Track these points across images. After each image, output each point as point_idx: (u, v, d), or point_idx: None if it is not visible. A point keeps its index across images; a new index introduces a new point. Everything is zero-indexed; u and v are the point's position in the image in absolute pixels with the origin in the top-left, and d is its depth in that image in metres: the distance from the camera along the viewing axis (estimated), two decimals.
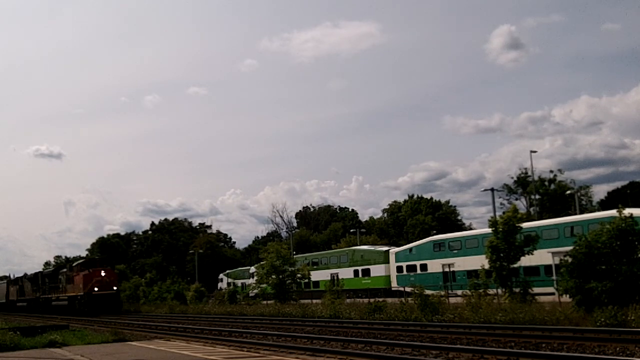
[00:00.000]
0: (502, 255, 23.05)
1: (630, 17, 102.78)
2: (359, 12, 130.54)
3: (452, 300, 26.34)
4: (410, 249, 43.12)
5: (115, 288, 41.50)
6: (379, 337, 15.40)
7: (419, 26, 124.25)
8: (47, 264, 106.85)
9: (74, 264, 45.02)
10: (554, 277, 28.14)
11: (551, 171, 66.93)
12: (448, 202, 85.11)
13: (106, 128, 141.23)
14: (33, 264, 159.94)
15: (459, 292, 28.41)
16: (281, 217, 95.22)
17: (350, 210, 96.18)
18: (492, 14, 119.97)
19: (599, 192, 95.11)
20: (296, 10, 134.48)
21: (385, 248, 48.39)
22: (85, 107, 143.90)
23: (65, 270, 46.14)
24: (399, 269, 42.91)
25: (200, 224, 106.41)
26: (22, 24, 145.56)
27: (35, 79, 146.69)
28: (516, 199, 66.14)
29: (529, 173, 58.43)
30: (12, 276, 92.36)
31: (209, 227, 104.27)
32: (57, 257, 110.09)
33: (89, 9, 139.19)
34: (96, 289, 39.75)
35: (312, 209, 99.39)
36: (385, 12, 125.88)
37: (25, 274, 66.98)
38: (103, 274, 40.98)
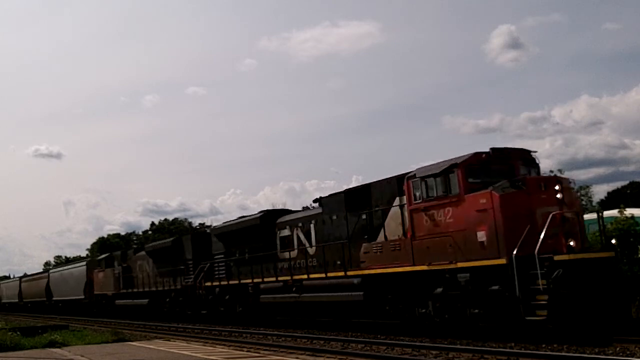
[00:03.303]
0: None
1: (631, 17, 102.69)
2: (358, 11, 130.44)
3: None
4: None
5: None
6: (379, 337, 15.39)
7: (419, 26, 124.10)
8: (47, 264, 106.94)
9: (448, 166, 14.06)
10: None
11: (551, 171, 66.40)
12: None
13: (106, 128, 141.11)
14: (33, 264, 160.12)
15: None
16: None
17: None
18: (492, 14, 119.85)
19: (599, 192, 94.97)
20: (295, 10, 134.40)
21: None
22: (85, 107, 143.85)
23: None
24: None
25: (200, 224, 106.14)
26: (22, 23, 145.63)
27: (35, 79, 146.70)
28: None
29: None
30: (12, 276, 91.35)
31: (209, 227, 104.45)
32: (57, 257, 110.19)
33: (89, 9, 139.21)
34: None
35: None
36: (385, 12, 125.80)
37: (139, 246, 40.47)
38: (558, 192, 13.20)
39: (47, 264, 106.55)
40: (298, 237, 20.12)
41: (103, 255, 39.21)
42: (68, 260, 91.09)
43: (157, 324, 27.17)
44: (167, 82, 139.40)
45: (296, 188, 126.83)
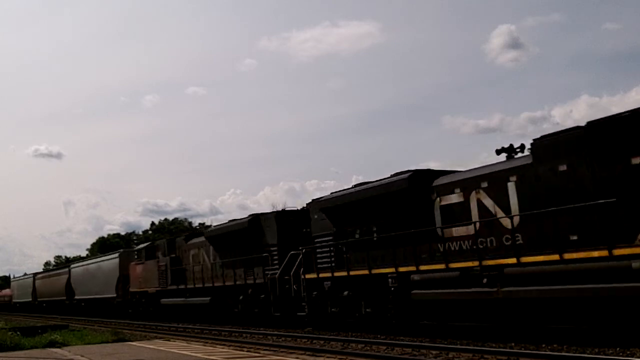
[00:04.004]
0: None
1: (631, 17, 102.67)
2: (358, 11, 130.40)
3: None
4: None
5: None
6: (379, 337, 15.40)
7: (419, 26, 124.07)
8: (47, 264, 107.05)
9: None
10: None
11: None
12: None
13: (106, 128, 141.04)
14: (33, 264, 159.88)
15: None
16: None
17: None
18: (492, 14, 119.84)
19: None
20: (295, 10, 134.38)
21: None
22: (85, 107, 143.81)
23: None
24: None
25: (200, 224, 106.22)
26: (22, 23, 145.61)
27: (35, 79, 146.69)
28: None
29: None
30: (12, 276, 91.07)
31: (209, 227, 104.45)
32: (57, 257, 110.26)
33: (89, 9, 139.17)
34: None
35: None
36: (385, 12, 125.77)
37: (191, 232, 33.09)
38: None
39: (47, 263, 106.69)
40: (480, 204, 13.83)
41: (142, 245, 32.82)
42: (68, 260, 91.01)
43: (157, 323, 27.13)
44: (167, 82, 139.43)
45: (296, 188, 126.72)
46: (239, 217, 21.11)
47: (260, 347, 14.98)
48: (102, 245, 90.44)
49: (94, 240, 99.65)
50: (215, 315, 24.46)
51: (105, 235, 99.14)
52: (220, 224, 25.73)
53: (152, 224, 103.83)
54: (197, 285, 25.60)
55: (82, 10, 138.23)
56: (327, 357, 12.59)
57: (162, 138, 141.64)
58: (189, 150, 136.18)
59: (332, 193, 18.91)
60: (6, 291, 67.02)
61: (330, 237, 18.32)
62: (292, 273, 19.67)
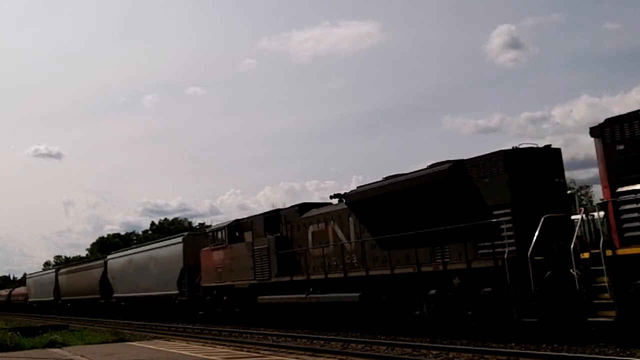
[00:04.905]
0: None
1: (631, 17, 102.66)
2: (358, 11, 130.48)
3: None
4: None
5: None
6: (379, 337, 15.40)
7: (419, 26, 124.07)
8: (47, 263, 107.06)
9: None
10: None
11: None
12: None
13: (106, 128, 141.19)
14: (33, 264, 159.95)
15: None
16: None
17: None
18: (492, 14, 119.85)
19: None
20: (295, 10, 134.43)
21: None
22: (85, 107, 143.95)
23: None
24: None
25: (200, 223, 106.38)
26: (22, 23, 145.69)
27: (35, 79, 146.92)
28: None
29: None
30: (12, 276, 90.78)
31: (209, 227, 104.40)
32: (57, 257, 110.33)
33: (89, 9, 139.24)
34: None
35: None
36: (385, 12, 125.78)
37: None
38: None
39: (47, 263, 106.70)
40: None
41: (222, 223, 24.49)
42: (68, 261, 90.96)
43: (157, 324, 27.11)
44: (167, 82, 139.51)
45: (296, 188, 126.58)
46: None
47: (260, 347, 14.99)
48: (102, 245, 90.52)
49: (94, 240, 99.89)
50: (374, 321, 16.15)
51: (105, 235, 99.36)
52: (372, 183, 16.41)
53: (152, 224, 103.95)
54: (330, 276, 17.34)
55: (82, 10, 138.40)
56: (327, 357, 12.59)
57: (162, 138, 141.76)
58: (189, 150, 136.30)
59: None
60: (20, 289, 61.24)
61: None
62: (571, 248, 11.53)
